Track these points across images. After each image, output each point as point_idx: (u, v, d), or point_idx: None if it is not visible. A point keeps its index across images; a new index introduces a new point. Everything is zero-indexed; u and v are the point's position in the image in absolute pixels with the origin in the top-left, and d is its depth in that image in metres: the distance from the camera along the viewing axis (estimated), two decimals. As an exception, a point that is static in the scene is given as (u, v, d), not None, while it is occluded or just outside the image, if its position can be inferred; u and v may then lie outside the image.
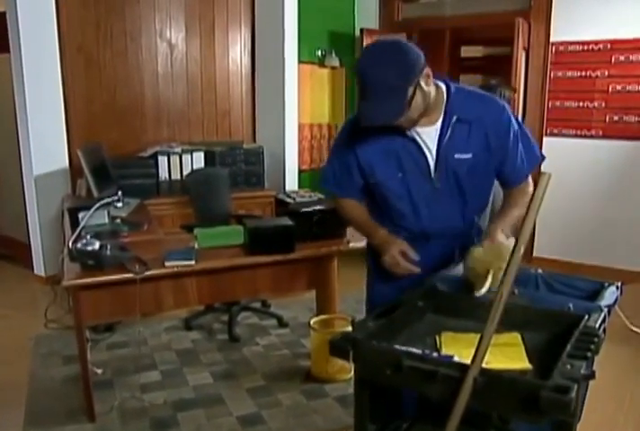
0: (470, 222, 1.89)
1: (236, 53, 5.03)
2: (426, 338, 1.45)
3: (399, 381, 1.28)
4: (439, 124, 1.74)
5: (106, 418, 2.64)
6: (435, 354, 1.34)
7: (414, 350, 1.30)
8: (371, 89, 1.58)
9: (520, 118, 3.80)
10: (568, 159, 4.73)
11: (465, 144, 1.74)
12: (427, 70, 1.62)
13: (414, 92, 1.60)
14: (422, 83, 1.62)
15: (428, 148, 1.76)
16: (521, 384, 1.14)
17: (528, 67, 4.88)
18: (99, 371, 3.04)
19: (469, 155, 1.75)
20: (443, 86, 1.75)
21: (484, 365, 1.18)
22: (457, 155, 1.75)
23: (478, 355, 1.15)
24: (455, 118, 1.72)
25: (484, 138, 1.75)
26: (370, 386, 1.30)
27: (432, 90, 1.67)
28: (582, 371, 1.16)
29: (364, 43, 5.43)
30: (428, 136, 1.75)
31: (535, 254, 4.94)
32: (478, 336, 1.31)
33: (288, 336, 3.57)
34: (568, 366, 1.18)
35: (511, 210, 1.81)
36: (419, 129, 1.74)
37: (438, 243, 1.88)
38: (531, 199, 1.18)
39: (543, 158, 1.90)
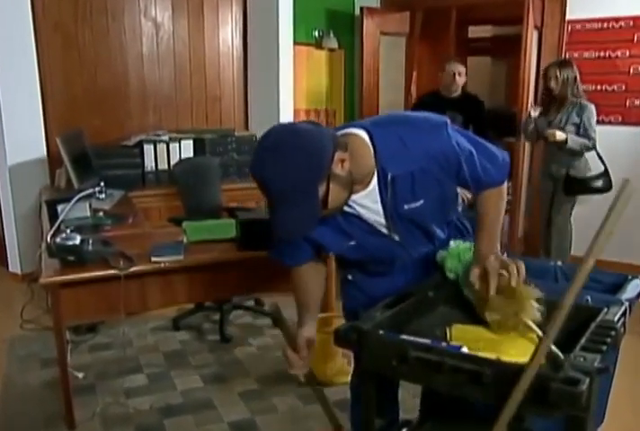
0: (439, 238, 1.82)
1: (227, 33, 5.03)
2: (436, 330, 1.47)
3: (405, 372, 1.30)
4: (374, 184, 1.60)
5: (87, 426, 2.64)
6: (443, 344, 1.35)
7: (421, 340, 1.31)
8: (275, 198, 1.43)
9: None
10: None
11: (410, 194, 1.61)
12: (338, 155, 1.45)
13: (328, 187, 1.46)
14: (337, 171, 1.46)
15: (371, 212, 1.65)
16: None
17: (541, 48, 4.88)
18: (80, 375, 3.04)
19: (420, 202, 1.63)
20: (365, 136, 1.57)
21: (493, 357, 1.20)
22: (406, 206, 1.63)
23: (537, 356, 1.16)
24: (390, 176, 1.57)
25: (431, 180, 1.61)
26: (376, 378, 1.31)
27: (348, 167, 1.51)
28: (596, 364, 1.17)
29: (364, 23, 5.43)
30: (367, 199, 1.62)
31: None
32: (489, 329, 1.33)
33: (282, 336, 3.57)
34: (581, 359, 1.20)
35: (493, 220, 1.71)
36: (354, 197, 1.60)
37: (413, 266, 1.84)
38: (610, 209, 1.10)
39: (506, 158, 1.74)
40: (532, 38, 4.77)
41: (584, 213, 4.72)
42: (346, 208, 1.63)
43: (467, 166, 1.62)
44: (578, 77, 4.23)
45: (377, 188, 1.59)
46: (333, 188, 1.46)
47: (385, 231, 1.69)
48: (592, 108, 4.20)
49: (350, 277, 1.94)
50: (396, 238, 1.70)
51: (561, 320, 1.18)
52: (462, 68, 4.52)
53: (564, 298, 1.20)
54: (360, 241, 1.70)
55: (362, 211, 1.65)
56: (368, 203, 1.62)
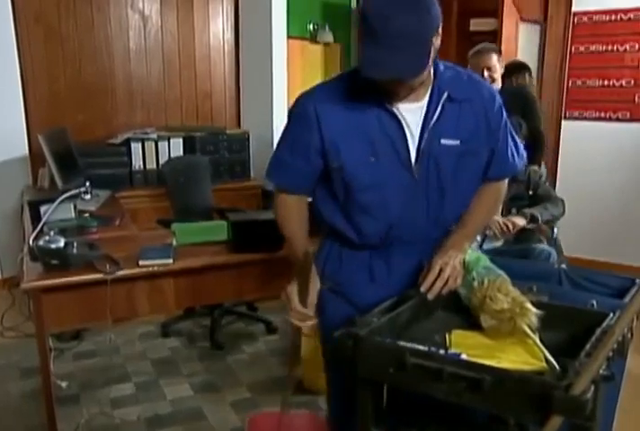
0: (444, 231, 1.77)
1: (218, 27, 5.03)
2: (435, 336, 1.49)
3: (403, 380, 1.31)
4: (425, 101, 1.62)
5: (72, 438, 2.65)
6: (442, 351, 1.36)
7: (420, 347, 1.32)
8: (387, 35, 1.42)
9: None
10: (590, 145, 4.76)
11: (453, 127, 1.64)
12: (440, 24, 1.52)
13: (431, 48, 1.50)
14: (435, 40, 1.52)
15: (409, 129, 1.62)
16: (532, 383, 1.17)
17: (545, 42, 4.90)
18: (63, 384, 3.04)
19: (457, 142, 1.64)
20: None
21: (494, 364, 1.21)
22: (443, 141, 1.63)
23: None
24: (446, 94, 1.61)
25: (475, 123, 1.66)
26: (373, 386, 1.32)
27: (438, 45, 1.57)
28: (601, 371, 1.18)
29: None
30: (411, 114, 1.61)
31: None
32: (488, 335, 1.34)
33: (276, 343, 3.59)
34: (584, 366, 1.20)
35: (477, 215, 1.77)
36: (401, 105, 1.60)
37: (400, 256, 1.75)
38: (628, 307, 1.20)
39: (524, 153, 1.86)
40: (514, 33, 4.78)
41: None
42: (392, 108, 1.61)
43: (502, 137, 1.73)
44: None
45: (425, 106, 1.62)
46: (431, 56, 1.53)
47: (411, 159, 1.64)
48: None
49: (329, 249, 1.82)
50: (416, 176, 1.64)
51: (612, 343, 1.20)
52: (493, 60, 3.80)
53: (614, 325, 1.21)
54: (382, 159, 1.62)
55: (406, 117, 1.62)
56: (410, 118, 1.62)
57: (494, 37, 7.11)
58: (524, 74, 4.57)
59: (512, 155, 1.78)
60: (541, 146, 4.03)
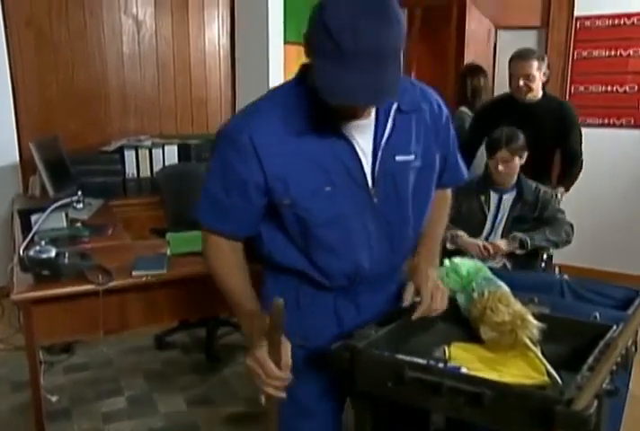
0: (405, 257, 1.66)
1: (213, 32, 5.05)
2: (434, 349, 1.49)
3: (401, 394, 1.31)
4: (372, 115, 1.47)
5: (63, 453, 2.64)
6: (441, 365, 1.36)
7: (418, 360, 1.32)
8: (357, 53, 1.23)
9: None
10: (592, 152, 4.72)
11: (406, 141, 1.52)
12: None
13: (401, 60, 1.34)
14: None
15: (361, 149, 1.48)
16: (534, 398, 1.18)
17: (547, 47, 4.91)
18: (54, 398, 3.03)
19: (412, 157, 1.53)
20: None
21: (495, 379, 1.21)
22: (398, 157, 1.51)
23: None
24: (395, 106, 1.48)
25: (426, 135, 1.56)
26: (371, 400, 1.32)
27: None
28: (605, 385, 1.18)
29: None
30: (360, 132, 1.47)
31: (555, 261, 4.95)
32: (488, 348, 1.34)
33: (274, 356, 3.58)
34: (586, 380, 1.20)
35: (436, 229, 1.73)
36: (348, 124, 1.45)
37: (367, 294, 1.62)
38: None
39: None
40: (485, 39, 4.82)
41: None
42: (342, 128, 1.45)
43: (452, 145, 1.68)
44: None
45: (374, 120, 1.48)
46: None
47: (368, 182, 1.50)
48: None
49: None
50: (375, 200, 1.51)
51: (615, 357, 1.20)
52: (532, 68, 3.50)
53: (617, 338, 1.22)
54: (338, 188, 1.46)
55: (355, 135, 1.47)
56: (359, 136, 1.47)
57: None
58: (479, 77, 4.67)
59: (457, 161, 1.72)
60: (576, 172, 3.80)
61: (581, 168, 3.80)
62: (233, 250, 1.57)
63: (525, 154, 3.09)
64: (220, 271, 1.57)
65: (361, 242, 1.53)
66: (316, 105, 1.38)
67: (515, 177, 3.12)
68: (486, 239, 3.07)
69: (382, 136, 1.48)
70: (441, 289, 1.58)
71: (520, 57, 3.52)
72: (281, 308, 1.27)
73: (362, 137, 1.47)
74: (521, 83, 3.50)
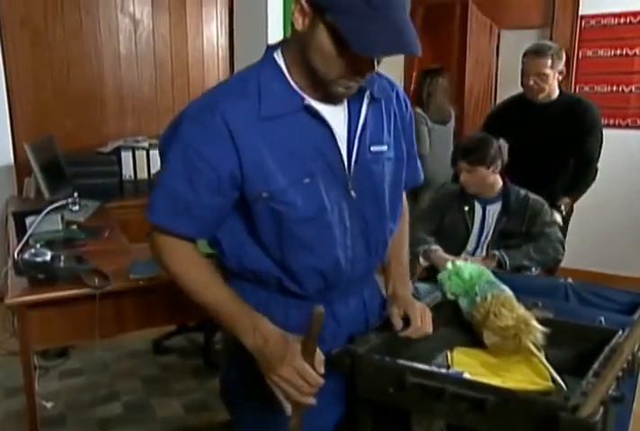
0: (379, 258, 1.59)
1: (212, 31, 5.06)
2: (436, 354, 1.49)
3: (403, 400, 1.31)
4: (345, 102, 1.42)
5: (58, 461, 2.64)
6: (443, 370, 1.36)
7: (420, 366, 1.32)
8: (389, 3, 1.23)
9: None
10: (599, 153, 4.76)
11: (379, 131, 1.46)
12: None
13: None
14: None
15: (339, 136, 1.41)
16: (538, 404, 1.17)
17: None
18: (49, 404, 3.03)
19: (385, 147, 1.47)
20: None
21: (499, 384, 1.21)
22: (373, 148, 1.45)
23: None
24: (368, 92, 1.42)
25: (394, 124, 1.51)
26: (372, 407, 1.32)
27: None
28: (611, 392, 1.18)
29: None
30: (334, 118, 1.39)
31: (562, 264, 4.95)
32: (492, 353, 1.34)
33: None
34: (591, 386, 1.21)
35: (402, 251, 1.66)
36: (320, 107, 1.37)
37: (343, 301, 1.53)
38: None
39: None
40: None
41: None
42: (321, 108, 1.36)
43: (414, 142, 1.62)
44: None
45: (347, 107, 1.42)
46: None
47: (346, 174, 1.42)
48: None
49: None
50: (353, 194, 1.43)
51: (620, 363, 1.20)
52: (546, 67, 3.24)
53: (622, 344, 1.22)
54: (317, 178, 1.38)
55: (331, 122, 1.38)
56: (334, 123, 1.39)
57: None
58: (437, 78, 4.68)
59: (419, 163, 1.67)
60: (587, 182, 3.46)
61: (594, 178, 3.47)
62: (200, 255, 1.43)
63: (497, 164, 2.79)
64: (195, 282, 1.41)
65: (339, 241, 1.43)
66: (283, 84, 1.35)
67: (496, 186, 2.84)
68: (472, 255, 2.80)
69: (357, 123, 1.41)
70: (427, 311, 1.53)
71: (533, 53, 3.27)
72: (322, 316, 1.23)
73: (336, 124, 1.39)
74: (532, 82, 3.26)
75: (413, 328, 1.49)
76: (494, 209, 2.84)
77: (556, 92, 3.36)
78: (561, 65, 3.25)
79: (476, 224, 2.85)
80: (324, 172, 1.38)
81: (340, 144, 1.39)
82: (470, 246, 2.85)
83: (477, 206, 2.87)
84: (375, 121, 1.45)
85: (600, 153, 3.43)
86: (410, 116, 1.58)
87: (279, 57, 1.37)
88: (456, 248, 2.81)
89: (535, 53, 3.25)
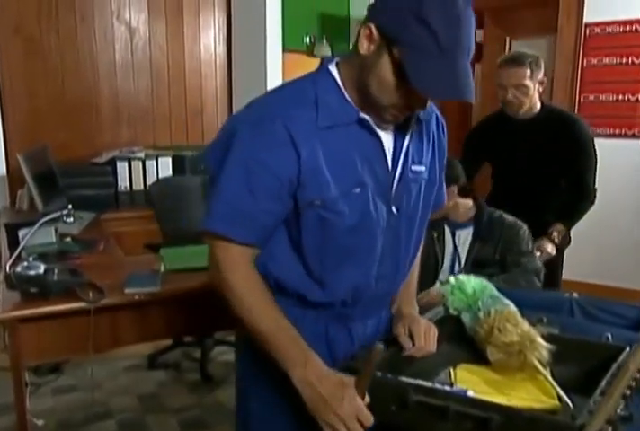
0: (405, 277, 1.64)
1: (209, 39, 5.08)
2: (439, 371, 1.49)
3: (405, 418, 1.31)
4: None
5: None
6: (447, 388, 1.36)
7: (423, 383, 1.32)
8: (458, 46, 1.27)
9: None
10: (604, 163, 4.71)
11: (420, 151, 1.52)
12: None
13: None
14: None
15: (389, 151, 1.47)
16: (544, 423, 1.17)
17: (555, 54, 4.94)
18: (40, 422, 3.01)
19: (423, 168, 1.53)
20: None
21: (504, 403, 1.21)
22: (413, 167, 1.50)
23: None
24: (417, 114, 1.47)
25: (432, 147, 1.57)
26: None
27: None
28: (619, 411, 1.18)
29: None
30: (383, 133, 1.45)
31: (564, 277, 4.94)
32: (496, 370, 1.34)
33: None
34: (598, 405, 1.20)
35: (415, 270, 1.72)
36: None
37: (362, 319, 1.56)
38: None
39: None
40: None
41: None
42: (373, 126, 1.42)
43: (444, 170, 1.66)
44: None
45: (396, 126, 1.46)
46: None
47: (391, 189, 1.47)
48: None
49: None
50: (394, 209, 1.48)
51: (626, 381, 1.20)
52: (524, 78, 2.96)
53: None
54: (367, 190, 1.42)
55: (382, 139, 1.44)
56: (385, 139, 1.45)
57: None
58: None
59: (444, 186, 1.72)
60: (585, 208, 3.18)
61: (592, 203, 3.18)
62: (255, 267, 1.44)
63: (458, 184, 2.61)
64: (253, 302, 1.39)
65: (375, 255, 1.48)
66: (347, 98, 1.39)
67: (465, 209, 2.66)
68: None
69: (403, 140, 1.47)
70: (433, 329, 1.55)
71: (510, 63, 2.98)
72: (380, 354, 1.23)
73: (385, 139, 1.45)
74: (510, 95, 2.98)
75: (417, 347, 1.51)
76: (466, 235, 2.63)
77: (538, 106, 3.08)
78: (541, 75, 2.99)
79: (448, 251, 2.64)
80: (374, 184, 1.43)
81: (389, 157, 1.45)
82: (443, 276, 2.59)
83: (447, 232, 2.67)
84: (417, 141, 1.51)
85: (595, 173, 3.16)
86: (446, 141, 1.62)
87: (334, 70, 1.42)
88: (427, 279, 2.51)
89: (512, 62, 2.97)
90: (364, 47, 1.31)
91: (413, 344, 1.51)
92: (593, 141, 3.13)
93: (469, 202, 2.67)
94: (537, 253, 2.78)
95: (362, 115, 1.38)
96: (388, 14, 1.28)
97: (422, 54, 1.25)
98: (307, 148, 1.34)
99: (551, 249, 2.99)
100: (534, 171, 3.06)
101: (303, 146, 1.34)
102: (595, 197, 3.17)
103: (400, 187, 1.47)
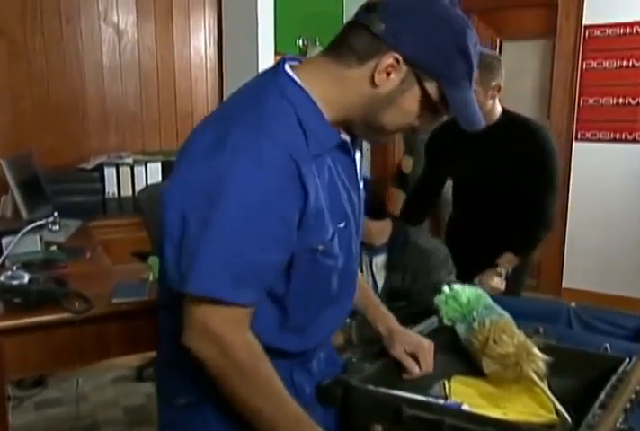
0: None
1: (200, 41, 5.09)
2: (433, 384, 1.49)
3: (399, 433, 1.30)
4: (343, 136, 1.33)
5: None
6: (441, 401, 1.36)
7: (417, 397, 1.32)
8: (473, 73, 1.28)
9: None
10: (604, 168, 4.79)
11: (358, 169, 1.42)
12: None
13: None
14: None
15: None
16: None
17: (554, 58, 4.96)
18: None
19: (362, 184, 1.43)
20: None
21: (500, 417, 1.21)
22: (361, 185, 1.42)
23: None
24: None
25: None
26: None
27: None
28: (618, 425, 1.18)
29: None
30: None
31: (564, 285, 4.96)
32: (491, 383, 1.34)
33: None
34: (598, 419, 1.21)
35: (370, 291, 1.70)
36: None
37: (319, 357, 1.47)
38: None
39: None
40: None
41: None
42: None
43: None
44: None
45: (349, 140, 1.33)
46: None
47: (356, 216, 1.38)
48: None
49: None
50: (357, 240, 1.41)
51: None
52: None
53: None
54: (350, 222, 1.32)
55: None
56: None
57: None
58: None
59: None
60: (539, 236, 2.76)
61: (546, 231, 2.76)
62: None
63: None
64: (254, 370, 1.19)
65: (354, 293, 1.44)
66: (326, 120, 1.25)
67: (383, 233, 2.43)
68: None
69: (356, 159, 1.37)
70: (432, 347, 1.55)
71: (493, 64, 2.63)
72: None
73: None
74: (490, 102, 2.65)
75: (424, 372, 1.51)
76: (382, 261, 2.43)
77: (497, 114, 2.72)
78: (495, 81, 2.60)
79: (367, 280, 2.36)
80: (353, 216, 1.34)
81: (360, 182, 1.38)
82: None
83: (365, 259, 2.43)
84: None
85: (555, 194, 2.77)
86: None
87: (295, 78, 1.26)
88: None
89: (493, 64, 2.64)
90: (384, 78, 1.21)
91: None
92: (556, 156, 2.74)
93: (384, 224, 2.42)
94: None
95: (343, 137, 1.29)
96: (426, 48, 1.20)
97: (463, 88, 1.24)
98: (312, 184, 1.18)
99: (498, 283, 2.63)
100: (486, 188, 2.75)
101: (309, 182, 1.17)
102: (551, 223, 2.77)
103: (357, 210, 1.38)
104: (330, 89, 1.25)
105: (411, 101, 1.24)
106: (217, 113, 1.27)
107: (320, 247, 1.24)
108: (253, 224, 1.13)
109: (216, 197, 1.12)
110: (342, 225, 1.28)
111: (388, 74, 1.21)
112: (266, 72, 1.32)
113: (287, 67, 1.28)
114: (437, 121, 1.36)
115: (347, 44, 1.24)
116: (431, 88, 1.22)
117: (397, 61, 1.20)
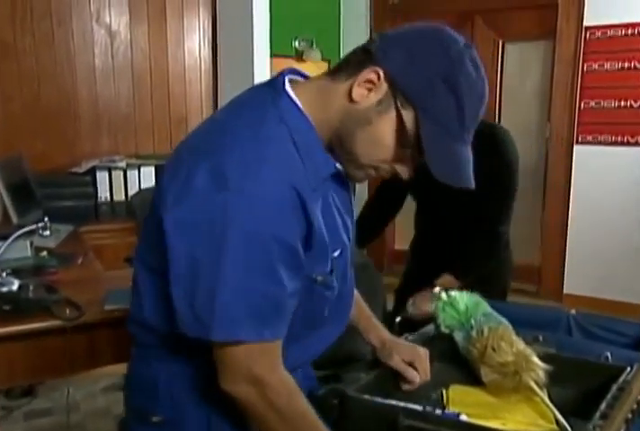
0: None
1: (194, 43, 5.09)
2: (430, 393, 1.49)
3: (396, 444, 1.29)
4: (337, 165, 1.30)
5: None
6: (439, 411, 1.36)
7: (414, 406, 1.32)
8: (472, 131, 1.21)
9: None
10: (606, 172, 4.80)
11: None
12: None
13: None
14: None
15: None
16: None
17: (554, 60, 4.97)
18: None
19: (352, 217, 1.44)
20: None
21: (499, 427, 1.21)
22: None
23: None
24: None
25: None
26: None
27: None
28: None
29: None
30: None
31: (566, 291, 4.97)
32: (490, 392, 1.33)
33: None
34: (599, 430, 1.20)
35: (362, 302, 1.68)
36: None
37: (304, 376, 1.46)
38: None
39: None
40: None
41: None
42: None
43: None
44: None
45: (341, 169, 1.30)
46: None
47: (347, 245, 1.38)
48: None
49: None
50: (351, 269, 1.44)
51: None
52: None
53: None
54: (346, 251, 1.32)
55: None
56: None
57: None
58: None
59: None
60: (488, 254, 2.52)
61: (497, 252, 2.54)
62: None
63: None
64: (303, 408, 1.23)
65: (345, 321, 1.47)
66: (323, 147, 1.23)
67: None
68: None
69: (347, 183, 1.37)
70: (423, 356, 1.56)
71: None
72: None
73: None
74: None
75: (422, 380, 1.52)
76: None
77: None
78: None
79: None
80: (347, 245, 1.33)
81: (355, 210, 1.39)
82: None
83: None
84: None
85: (510, 209, 2.49)
86: None
87: (292, 94, 1.23)
88: None
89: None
90: (364, 93, 1.16)
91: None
92: (514, 165, 2.45)
93: None
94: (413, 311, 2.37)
95: (338, 166, 1.25)
96: (411, 68, 1.14)
97: (443, 129, 1.14)
98: (314, 214, 1.17)
99: (431, 307, 2.34)
100: (442, 202, 2.53)
101: (312, 212, 1.16)
102: (506, 243, 2.58)
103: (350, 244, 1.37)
104: (320, 107, 1.22)
105: (386, 127, 1.17)
106: (210, 138, 1.21)
107: (319, 278, 1.24)
108: (263, 255, 1.12)
109: (221, 236, 1.10)
110: (336, 254, 1.27)
111: (369, 90, 1.16)
112: (264, 87, 1.29)
113: (287, 86, 1.24)
114: (413, 164, 1.23)
115: (344, 62, 1.23)
116: (408, 116, 1.15)
117: (378, 77, 1.14)
